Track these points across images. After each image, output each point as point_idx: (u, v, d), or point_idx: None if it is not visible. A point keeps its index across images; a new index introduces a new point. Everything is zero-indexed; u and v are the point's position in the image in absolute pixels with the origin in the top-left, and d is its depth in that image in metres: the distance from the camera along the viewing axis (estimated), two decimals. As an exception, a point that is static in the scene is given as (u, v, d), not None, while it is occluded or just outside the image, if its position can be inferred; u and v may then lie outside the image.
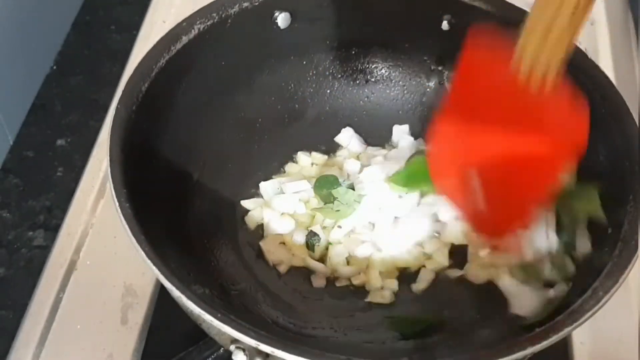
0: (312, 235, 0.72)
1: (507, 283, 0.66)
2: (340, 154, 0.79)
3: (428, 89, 0.80)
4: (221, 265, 0.69)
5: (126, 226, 0.54)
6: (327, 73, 0.81)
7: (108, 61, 0.93)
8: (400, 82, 0.81)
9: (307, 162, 0.78)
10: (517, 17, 0.71)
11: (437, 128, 0.60)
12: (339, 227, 0.71)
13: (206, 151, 0.73)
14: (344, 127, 0.80)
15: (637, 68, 0.92)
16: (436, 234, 0.71)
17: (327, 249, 0.72)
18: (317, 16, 0.76)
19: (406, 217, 0.71)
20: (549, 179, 0.57)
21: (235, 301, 0.66)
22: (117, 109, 0.61)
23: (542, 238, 0.65)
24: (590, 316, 0.53)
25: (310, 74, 0.80)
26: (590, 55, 0.69)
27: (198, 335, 0.61)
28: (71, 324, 0.70)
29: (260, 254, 0.72)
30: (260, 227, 0.73)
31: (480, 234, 0.68)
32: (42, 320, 0.70)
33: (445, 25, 0.75)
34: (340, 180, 0.74)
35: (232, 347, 0.52)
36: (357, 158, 0.77)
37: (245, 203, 0.74)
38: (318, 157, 0.78)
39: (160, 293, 0.72)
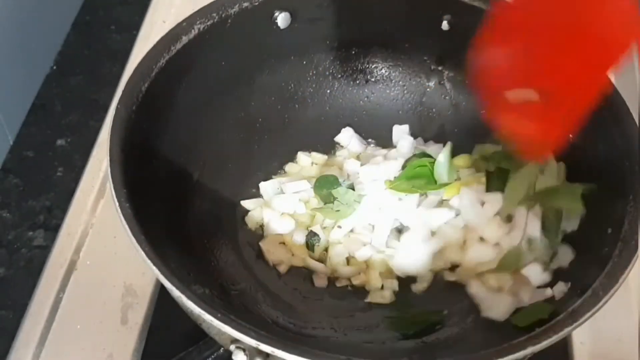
0: (312, 235, 0.72)
1: (475, 289, 0.67)
2: (340, 154, 0.79)
3: (428, 89, 0.81)
4: (221, 265, 0.69)
5: (126, 226, 0.54)
6: (327, 73, 0.81)
7: (108, 61, 0.93)
8: (400, 82, 0.81)
9: (307, 162, 0.78)
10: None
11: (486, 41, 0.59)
12: (339, 227, 0.71)
13: (206, 151, 0.73)
14: (344, 127, 0.80)
15: (637, 68, 0.92)
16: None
17: (327, 249, 0.72)
18: (317, 16, 0.76)
19: (406, 229, 0.72)
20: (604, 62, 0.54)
21: (235, 301, 0.66)
22: (117, 108, 0.61)
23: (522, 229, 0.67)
24: (590, 316, 0.53)
25: (310, 74, 0.80)
26: (590, 55, 0.69)
27: (198, 335, 0.61)
28: (71, 324, 0.70)
29: (260, 254, 0.72)
30: (260, 227, 0.73)
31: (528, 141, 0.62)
32: (42, 320, 0.70)
33: (445, 25, 0.75)
34: (340, 180, 0.74)
35: (232, 347, 0.52)
36: (357, 158, 0.77)
37: (245, 203, 0.74)
38: (318, 157, 0.78)
39: (160, 293, 0.72)
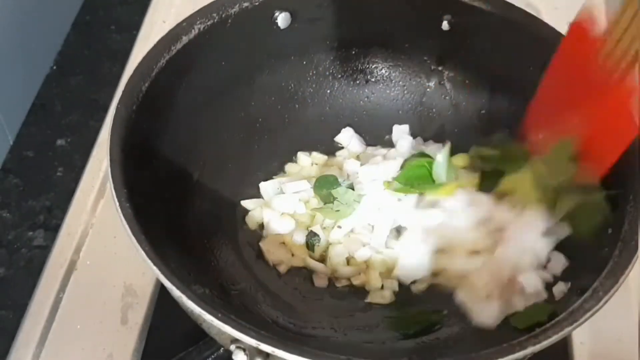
0: (312, 235, 0.72)
1: (462, 296, 0.66)
2: (340, 153, 0.79)
3: (428, 89, 0.81)
4: (221, 265, 0.69)
5: (126, 226, 0.54)
6: (327, 73, 0.81)
7: (108, 61, 0.93)
8: (400, 82, 0.81)
9: (307, 162, 0.78)
10: (516, 17, 0.72)
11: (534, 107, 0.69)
12: (339, 227, 0.71)
13: (206, 151, 0.73)
14: (344, 127, 0.80)
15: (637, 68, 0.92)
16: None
17: (327, 249, 0.72)
18: (317, 16, 0.76)
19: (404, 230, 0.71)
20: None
21: (235, 301, 0.66)
22: (117, 108, 0.61)
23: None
24: (590, 316, 0.53)
25: (310, 74, 0.80)
26: (590, 55, 0.69)
27: (198, 335, 0.61)
28: (71, 324, 0.70)
29: (260, 254, 0.72)
30: (261, 227, 0.73)
31: None
32: (42, 320, 0.70)
33: (445, 25, 0.75)
34: (340, 180, 0.74)
35: (232, 347, 0.52)
36: (357, 158, 0.77)
37: (246, 203, 0.74)
38: (318, 157, 0.78)
39: (160, 293, 0.72)
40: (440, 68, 0.79)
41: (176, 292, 0.52)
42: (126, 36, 0.96)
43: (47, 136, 0.86)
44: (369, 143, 0.80)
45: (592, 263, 0.59)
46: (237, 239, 0.72)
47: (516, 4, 0.73)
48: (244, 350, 0.52)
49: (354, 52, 0.79)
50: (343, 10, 0.75)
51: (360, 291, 0.70)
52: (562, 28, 0.66)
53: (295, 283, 0.70)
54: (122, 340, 0.69)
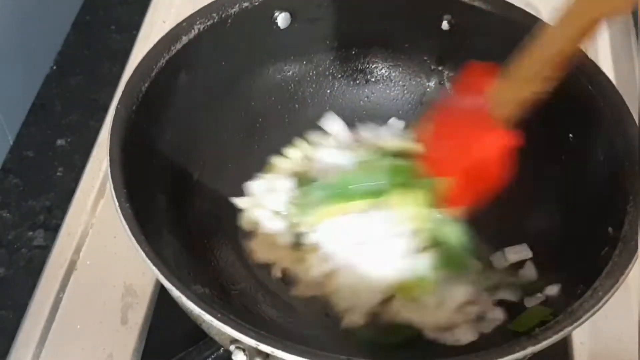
0: (298, 235, 0.70)
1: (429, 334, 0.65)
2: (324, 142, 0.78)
3: (428, 89, 0.80)
4: (221, 265, 0.69)
5: (126, 226, 0.54)
6: (327, 73, 0.81)
7: (108, 61, 0.93)
8: (400, 82, 0.81)
9: (297, 155, 0.77)
10: (516, 17, 0.72)
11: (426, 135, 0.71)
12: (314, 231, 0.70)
13: (206, 151, 0.73)
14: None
15: (637, 68, 0.92)
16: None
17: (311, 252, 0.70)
18: (317, 16, 0.76)
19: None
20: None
21: (235, 301, 0.66)
22: (117, 109, 0.61)
23: None
24: (590, 316, 0.53)
25: (310, 74, 0.80)
26: (590, 55, 0.69)
27: (198, 335, 0.61)
28: (71, 324, 0.70)
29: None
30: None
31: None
32: (42, 320, 0.70)
33: (445, 25, 0.75)
34: (320, 177, 0.72)
35: (232, 347, 0.52)
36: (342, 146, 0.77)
37: (236, 201, 0.73)
38: (303, 148, 0.77)
39: (160, 293, 0.72)
40: (440, 68, 0.79)
41: (175, 292, 0.52)
42: (126, 36, 0.96)
43: (47, 136, 0.86)
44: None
45: (592, 263, 0.59)
46: (237, 239, 0.72)
47: (516, 4, 0.73)
48: (244, 350, 0.52)
49: (354, 52, 0.79)
50: (343, 10, 0.75)
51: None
52: (562, 28, 0.66)
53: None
54: (122, 340, 0.69)
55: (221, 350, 0.62)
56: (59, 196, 0.80)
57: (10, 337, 0.69)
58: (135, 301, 0.71)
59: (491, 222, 0.72)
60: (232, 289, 0.67)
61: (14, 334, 0.69)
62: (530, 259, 0.69)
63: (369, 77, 0.81)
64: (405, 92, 0.81)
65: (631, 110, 0.64)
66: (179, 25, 0.68)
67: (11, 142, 0.84)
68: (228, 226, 0.73)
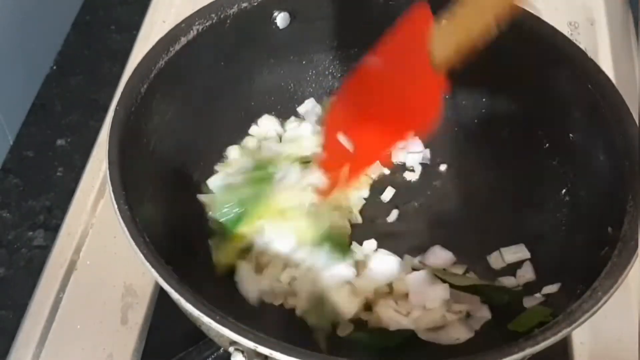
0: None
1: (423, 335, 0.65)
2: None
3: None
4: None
5: (124, 228, 0.54)
6: (327, 73, 0.81)
7: (108, 61, 0.93)
8: (400, 82, 0.81)
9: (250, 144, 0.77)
10: (517, 17, 0.71)
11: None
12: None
13: (206, 152, 0.73)
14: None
15: (637, 68, 0.91)
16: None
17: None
18: (317, 16, 0.76)
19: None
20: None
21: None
22: (116, 110, 0.61)
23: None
24: (590, 317, 0.53)
25: (310, 74, 0.80)
26: (590, 55, 0.69)
27: (198, 335, 0.61)
28: (71, 324, 0.70)
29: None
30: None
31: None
32: (42, 320, 0.70)
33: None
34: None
35: (231, 349, 0.52)
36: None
37: (202, 197, 0.71)
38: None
39: (160, 293, 0.72)
40: (440, 68, 0.79)
41: (175, 295, 0.52)
42: (126, 36, 0.96)
43: (47, 136, 0.86)
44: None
45: (591, 263, 0.59)
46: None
47: (516, 4, 0.73)
48: (242, 352, 0.52)
49: (353, 52, 0.79)
50: (343, 10, 0.75)
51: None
52: (563, 28, 0.66)
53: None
54: (122, 340, 0.69)
55: (221, 351, 0.62)
56: (59, 196, 0.80)
57: (10, 337, 0.69)
58: (135, 301, 0.71)
59: (489, 222, 0.73)
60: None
61: (14, 334, 0.69)
62: (529, 259, 0.69)
63: (368, 76, 0.81)
64: (405, 91, 0.81)
65: (631, 110, 0.63)
66: (177, 26, 0.68)
67: (11, 142, 0.84)
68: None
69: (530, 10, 0.73)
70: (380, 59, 0.69)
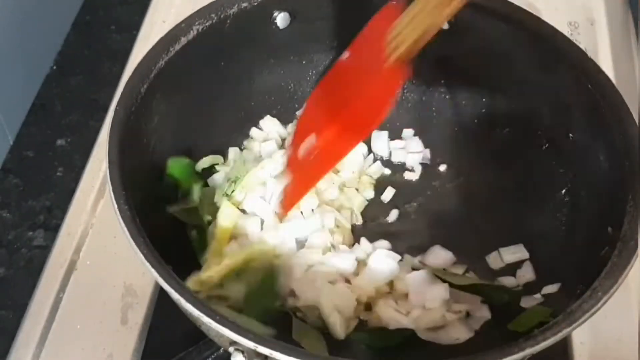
0: None
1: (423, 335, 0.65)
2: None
3: (428, 89, 0.80)
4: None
5: (125, 228, 0.54)
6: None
7: (108, 61, 0.93)
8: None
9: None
10: (517, 17, 0.72)
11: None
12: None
13: (206, 152, 0.73)
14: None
15: (637, 68, 0.91)
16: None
17: None
18: (317, 16, 0.76)
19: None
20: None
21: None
22: (115, 110, 0.61)
23: None
24: (590, 317, 0.53)
25: (310, 74, 0.80)
26: (590, 55, 0.69)
27: (198, 335, 0.61)
28: (71, 324, 0.70)
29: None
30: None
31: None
32: (42, 320, 0.70)
33: (445, 24, 0.74)
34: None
35: (231, 349, 0.52)
36: None
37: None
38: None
39: (160, 293, 0.72)
40: (440, 68, 0.79)
41: (175, 295, 0.52)
42: (126, 36, 0.96)
43: (47, 136, 0.86)
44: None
45: (591, 263, 0.59)
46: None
47: (516, 4, 0.73)
48: (242, 352, 0.52)
49: (353, 52, 0.79)
50: (343, 10, 0.75)
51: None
52: (563, 28, 0.66)
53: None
54: (122, 340, 0.69)
55: (221, 350, 0.62)
56: (59, 196, 0.80)
57: (10, 337, 0.69)
58: (135, 301, 0.71)
59: (489, 222, 0.73)
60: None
61: (14, 334, 0.69)
62: (528, 259, 0.69)
63: (368, 76, 0.81)
64: (405, 91, 0.81)
65: (631, 110, 0.63)
66: (177, 26, 0.68)
67: (11, 142, 0.84)
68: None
69: (530, 11, 0.73)
70: (349, 58, 0.69)
